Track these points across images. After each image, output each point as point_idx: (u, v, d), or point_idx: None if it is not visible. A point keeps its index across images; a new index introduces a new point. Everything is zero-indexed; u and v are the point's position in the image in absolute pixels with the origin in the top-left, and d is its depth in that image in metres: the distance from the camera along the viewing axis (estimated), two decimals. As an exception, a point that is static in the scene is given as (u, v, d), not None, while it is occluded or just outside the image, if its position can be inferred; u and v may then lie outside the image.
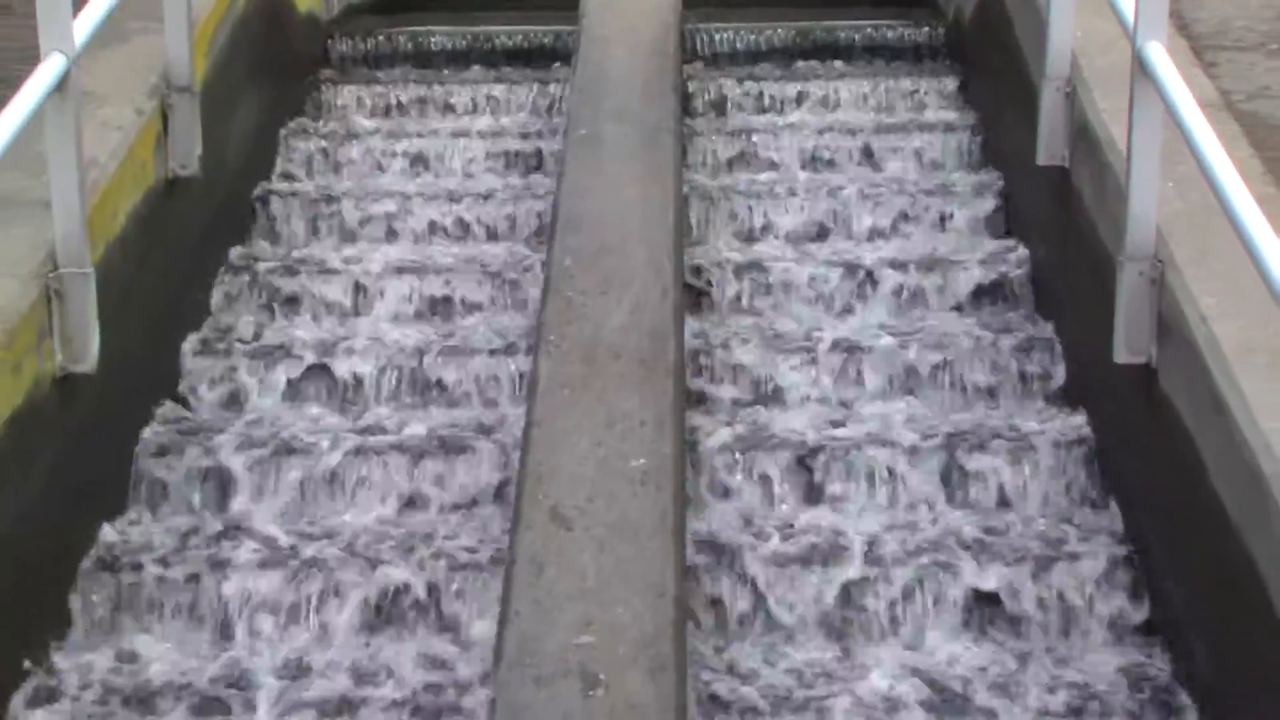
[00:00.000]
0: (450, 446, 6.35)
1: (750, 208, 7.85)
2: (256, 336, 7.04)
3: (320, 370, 6.79)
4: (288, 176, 8.28)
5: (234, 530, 6.07)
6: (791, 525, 6.16)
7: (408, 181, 8.27)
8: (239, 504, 6.19)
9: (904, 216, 7.78)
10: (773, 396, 6.82)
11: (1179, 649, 5.36)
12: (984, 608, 5.72)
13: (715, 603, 5.81)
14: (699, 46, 9.24)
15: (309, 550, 5.94)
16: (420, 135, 8.60)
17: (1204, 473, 5.09)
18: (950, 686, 5.52)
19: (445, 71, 9.30)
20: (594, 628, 4.82)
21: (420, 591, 5.78)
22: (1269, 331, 4.91)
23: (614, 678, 4.64)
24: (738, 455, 6.41)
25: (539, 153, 8.44)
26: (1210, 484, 5.03)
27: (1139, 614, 5.66)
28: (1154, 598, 5.62)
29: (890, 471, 6.36)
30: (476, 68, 9.34)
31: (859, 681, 5.57)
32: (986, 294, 7.21)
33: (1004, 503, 6.20)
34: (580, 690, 4.61)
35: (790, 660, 5.71)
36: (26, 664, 5.36)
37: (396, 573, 5.80)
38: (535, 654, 4.75)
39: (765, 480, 6.37)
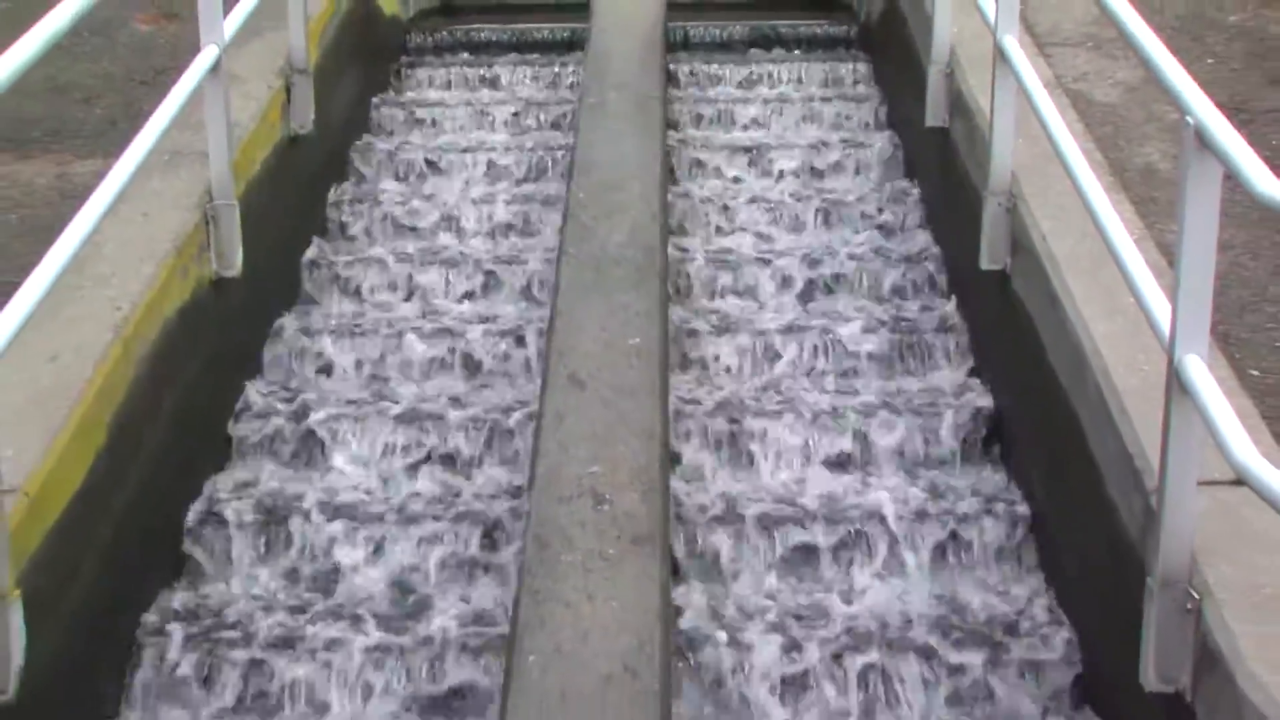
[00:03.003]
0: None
1: (713, 155, 7.88)
2: (350, 249, 7.10)
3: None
4: (377, 134, 8.30)
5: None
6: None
7: (466, 135, 8.28)
8: (330, 368, 6.25)
9: (831, 164, 7.83)
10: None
11: (1022, 475, 5.39)
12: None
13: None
14: (679, 38, 9.17)
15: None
16: (472, 104, 8.59)
17: (1043, 350, 5.13)
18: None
19: (492, 57, 9.23)
20: (601, 461, 4.84)
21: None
22: (1088, 247, 4.90)
23: (616, 496, 4.68)
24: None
25: (559, 114, 8.45)
26: (1048, 359, 5.07)
27: (995, 449, 5.70)
28: (1006, 439, 5.65)
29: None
30: (514, 54, 9.27)
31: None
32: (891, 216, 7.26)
33: (889, 367, 6.20)
34: (591, 505, 4.64)
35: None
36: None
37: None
38: (558, 480, 4.76)
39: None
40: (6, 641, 3.78)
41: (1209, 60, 6.96)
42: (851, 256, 6.88)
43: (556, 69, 9.01)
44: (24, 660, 3.85)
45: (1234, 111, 3.63)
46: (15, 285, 4.07)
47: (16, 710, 3.85)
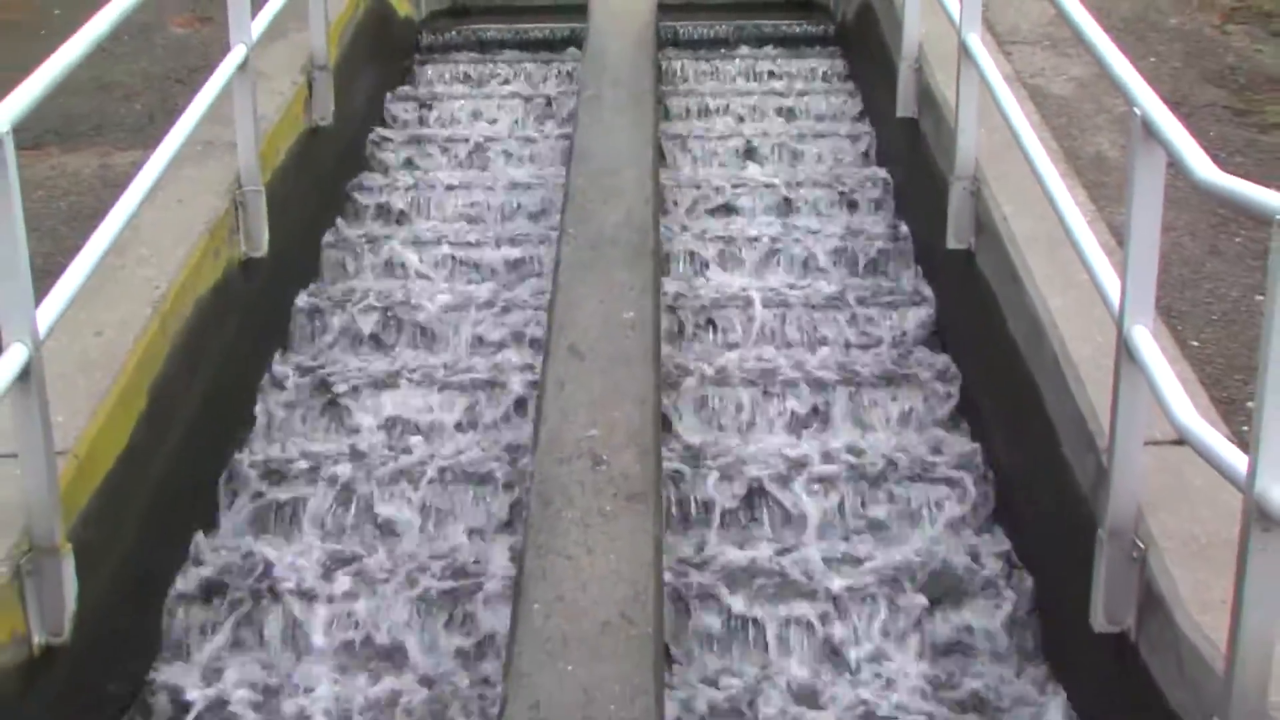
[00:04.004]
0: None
1: (703, 146, 7.85)
2: (368, 233, 7.05)
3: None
4: (391, 125, 8.28)
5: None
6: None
7: (472, 125, 8.27)
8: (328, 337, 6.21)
9: (809, 151, 7.79)
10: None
11: (984, 437, 5.38)
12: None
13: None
14: (669, 37, 9.12)
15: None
16: (480, 97, 8.59)
17: (1004, 322, 5.14)
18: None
19: (496, 54, 9.20)
20: (599, 425, 4.83)
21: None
22: (1045, 227, 4.90)
23: (613, 457, 4.67)
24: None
25: (558, 106, 8.43)
26: (1009, 330, 5.08)
27: (957, 413, 5.65)
28: (969, 405, 5.62)
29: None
30: (517, 51, 9.23)
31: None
32: (865, 200, 7.24)
33: (865, 335, 6.13)
34: (590, 466, 4.63)
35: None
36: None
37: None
38: (559, 443, 4.74)
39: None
40: (60, 589, 3.82)
41: (1151, 59, 6.96)
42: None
43: (556, 65, 9.03)
44: (75, 606, 3.89)
45: (1174, 105, 3.63)
46: (64, 266, 4.10)
47: (70, 650, 3.89)
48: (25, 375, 3.63)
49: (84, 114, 6.53)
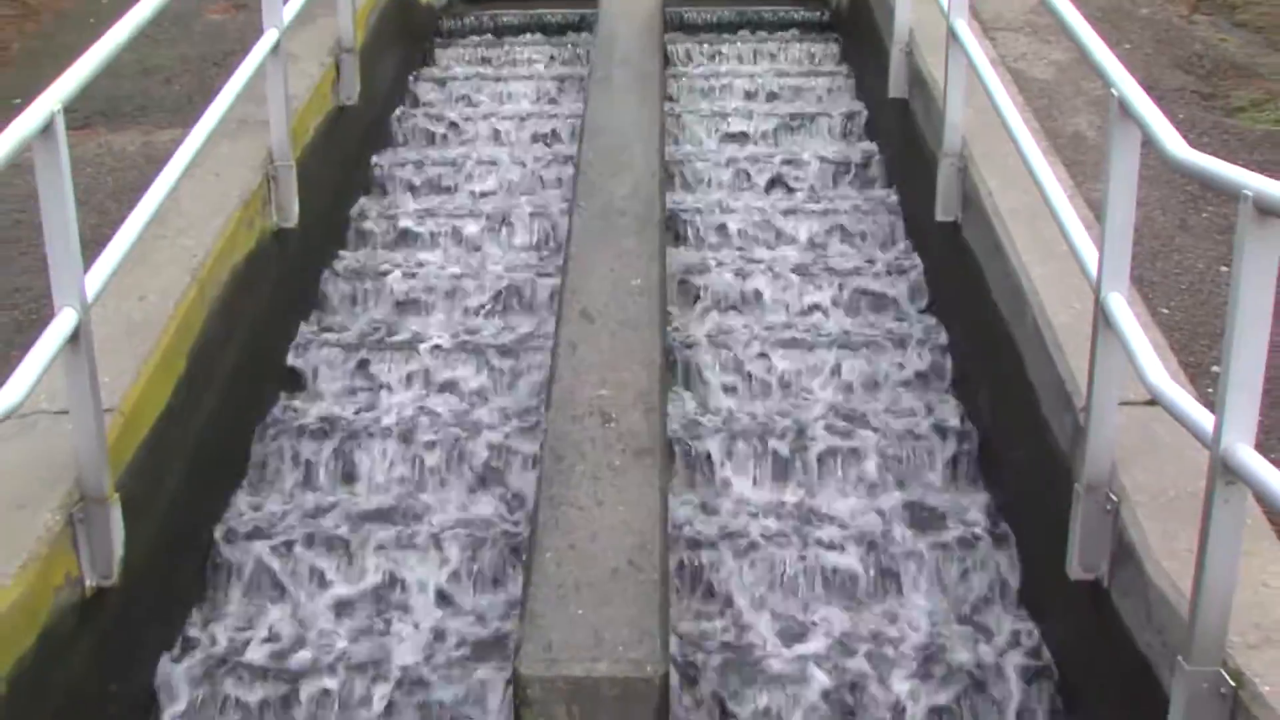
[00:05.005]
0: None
1: (707, 124, 7.79)
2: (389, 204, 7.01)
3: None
4: (413, 105, 8.23)
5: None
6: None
7: (495, 105, 8.21)
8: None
9: (807, 128, 7.75)
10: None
11: (969, 398, 5.38)
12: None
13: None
14: (675, 21, 9.02)
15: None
16: (497, 79, 8.54)
17: (989, 291, 5.13)
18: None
19: (512, 38, 9.13)
20: (609, 384, 4.83)
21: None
22: (1028, 201, 4.90)
23: (621, 415, 4.68)
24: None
25: (570, 85, 8.38)
26: (993, 298, 5.07)
27: (948, 376, 5.63)
28: (958, 368, 5.60)
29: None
30: (532, 35, 9.16)
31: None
32: (859, 173, 7.18)
33: (853, 303, 6.10)
34: (600, 423, 4.63)
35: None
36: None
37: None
38: (571, 401, 4.75)
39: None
40: (109, 536, 3.84)
41: (1126, 45, 6.93)
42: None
43: (567, 48, 8.99)
44: (123, 552, 3.92)
45: (1146, 89, 3.63)
46: (110, 236, 4.12)
47: (120, 592, 3.92)
48: (75, 338, 3.65)
49: (128, 95, 6.52)
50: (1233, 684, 3.07)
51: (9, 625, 3.44)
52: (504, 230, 6.67)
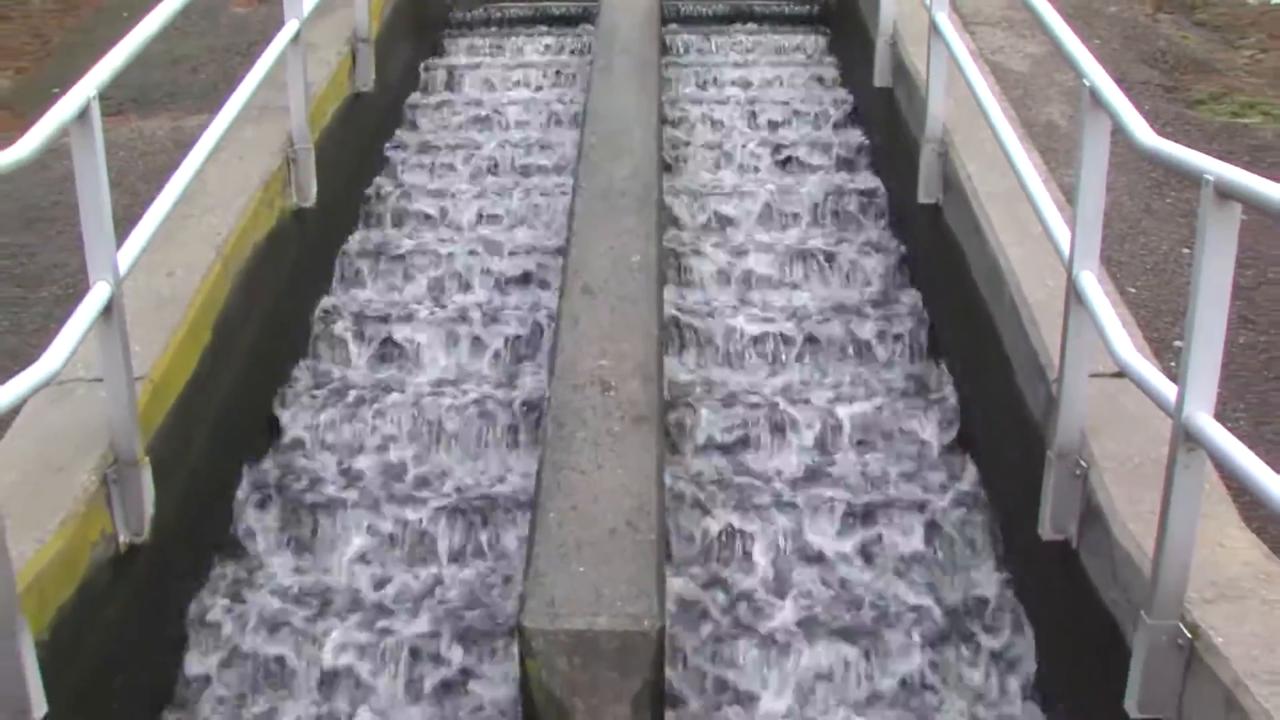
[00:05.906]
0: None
1: (701, 108, 7.77)
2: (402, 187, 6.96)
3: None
4: (425, 92, 8.20)
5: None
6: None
7: (502, 92, 8.19)
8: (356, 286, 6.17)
9: (796, 113, 7.71)
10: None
11: (950, 370, 5.34)
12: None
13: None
14: (672, 14, 8.99)
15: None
16: (506, 67, 8.50)
17: (968, 269, 5.13)
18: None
19: (519, 29, 9.09)
20: (609, 355, 4.81)
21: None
22: (1005, 185, 4.87)
23: (620, 384, 4.67)
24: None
25: (573, 73, 8.34)
26: (972, 276, 5.08)
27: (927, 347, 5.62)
28: (936, 341, 5.59)
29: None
30: (537, 26, 9.11)
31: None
32: (845, 160, 7.15)
33: (843, 279, 6.09)
34: (600, 392, 4.63)
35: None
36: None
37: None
38: (573, 371, 4.73)
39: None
40: (141, 496, 3.86)
41: (1095, 41, 6.91)
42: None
43: (571, 40, 8.95)
44: (154, 511, 3.94)
45: (1114, 82, 3.66)
46: (141, 215, 4.13)
47: (151, 548, 3.95)
48: (108, 310, 3.67)
49: (158, 84, 6.52)
50: (1189, 636, 3.10)
51: (50, 578, 3.46)
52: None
